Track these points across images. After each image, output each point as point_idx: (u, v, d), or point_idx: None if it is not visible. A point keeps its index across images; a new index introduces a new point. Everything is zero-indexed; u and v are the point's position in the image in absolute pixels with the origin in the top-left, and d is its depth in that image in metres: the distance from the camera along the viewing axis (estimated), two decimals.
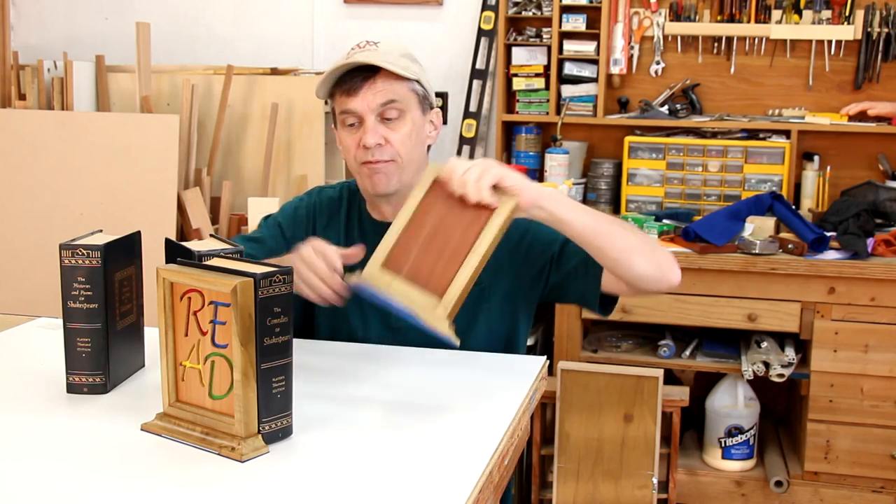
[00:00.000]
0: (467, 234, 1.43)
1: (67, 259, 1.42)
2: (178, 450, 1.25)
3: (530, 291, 1.80)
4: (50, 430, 1.32)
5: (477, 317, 1.78)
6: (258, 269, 1.24)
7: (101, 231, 1.53)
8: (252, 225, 2.88)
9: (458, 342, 1.42)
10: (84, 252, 1.42)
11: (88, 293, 1.43)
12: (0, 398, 1.45)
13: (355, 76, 1.70)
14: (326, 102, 3.39)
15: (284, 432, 1.28)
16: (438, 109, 1.83)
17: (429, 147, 1.82)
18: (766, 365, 2.92)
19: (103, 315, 1.44)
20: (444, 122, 3.33)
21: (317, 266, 1.50)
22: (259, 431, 1.24)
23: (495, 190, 1.45)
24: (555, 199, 1.53)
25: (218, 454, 1.23)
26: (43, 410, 1.39)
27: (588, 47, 3.43)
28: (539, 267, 1.77)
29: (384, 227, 1.78)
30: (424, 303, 1.40)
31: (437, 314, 1.39)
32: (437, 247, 1.45)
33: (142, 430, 1.31)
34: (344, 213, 1.86)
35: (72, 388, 1.45)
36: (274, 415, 1.26)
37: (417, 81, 1.74)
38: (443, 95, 3.55)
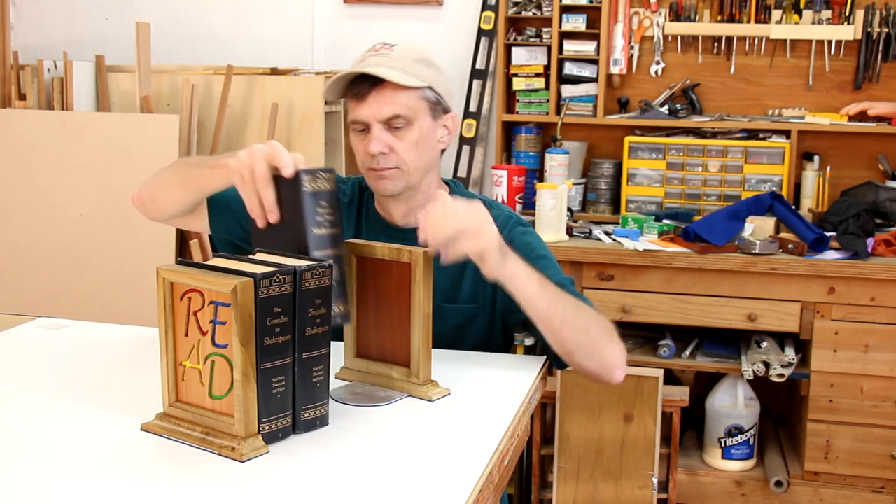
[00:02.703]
0: (402, 295, 1.47)
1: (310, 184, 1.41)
2: (178, 450, 1.25)
3: (510, 316, 1.78)
4: (50, 430, 1.32)
5: (467, 330, 1.78)
6: (258, 269, 1.24)
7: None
8: None
9: (448, 392, 1.48)
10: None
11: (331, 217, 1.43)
12: (0, 398, 1.45)
13: (364, 82, 1.68)
14: (327, 103, 3.40)
15: (284, 432, 1.28)
16: (455, 113, 1.78)
17: (443, 151, 1.79)
18: (766, 365, 2.92)
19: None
20: None
21: (254, 166, 1.44)
22: (259, 431, 1.24)
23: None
24: (516, 274, 1.47)
25: (218, 454, 1.23)
26: (43, 410, 1.39)
27: (588, 47, 3.43)
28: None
29: (391, 227, 1.79)
30: (402, 377, 1.49)
31: (412, 384, 1.47)
32: (387, 319, 1.51)
33: (142, 430, 1.31)
34: (354, 208, 1.86)
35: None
36: (274, 415, 1.26)
37: (430, 87, 1.70)
38: None
